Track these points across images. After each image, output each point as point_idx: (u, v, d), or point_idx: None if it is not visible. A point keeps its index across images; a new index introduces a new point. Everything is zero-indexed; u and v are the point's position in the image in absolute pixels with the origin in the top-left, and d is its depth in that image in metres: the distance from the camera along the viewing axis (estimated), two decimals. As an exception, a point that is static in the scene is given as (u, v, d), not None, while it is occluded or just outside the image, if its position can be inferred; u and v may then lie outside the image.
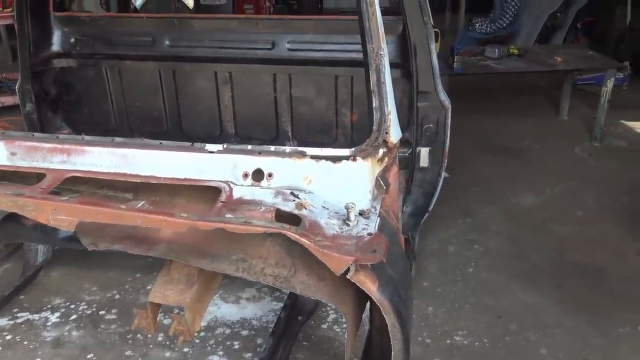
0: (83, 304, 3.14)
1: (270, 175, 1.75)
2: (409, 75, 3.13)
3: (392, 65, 3.32)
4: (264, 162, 1.76)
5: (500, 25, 7.18)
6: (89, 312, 3.08)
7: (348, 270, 1.50)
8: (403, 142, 3.50)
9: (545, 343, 2.79)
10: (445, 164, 3.29)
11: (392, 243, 1.74)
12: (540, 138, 5.27)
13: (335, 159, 1.75)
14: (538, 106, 6.14)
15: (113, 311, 3.08)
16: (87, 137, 1.90)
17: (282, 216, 1.61)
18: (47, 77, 3.71)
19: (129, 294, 3.21)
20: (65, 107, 3.86)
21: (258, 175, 1.75)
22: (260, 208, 1.58)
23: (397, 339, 1.57)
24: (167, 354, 2.76)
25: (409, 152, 3.32)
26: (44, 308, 3.10)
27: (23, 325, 2.98)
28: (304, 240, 1.49)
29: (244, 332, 2.90)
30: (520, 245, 3.62)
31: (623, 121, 5.64)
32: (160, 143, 1.85)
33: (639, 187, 4.33)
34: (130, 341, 2.85)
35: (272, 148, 1.79)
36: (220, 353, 2.77)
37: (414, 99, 3.13)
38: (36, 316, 3.04)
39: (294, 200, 1.66)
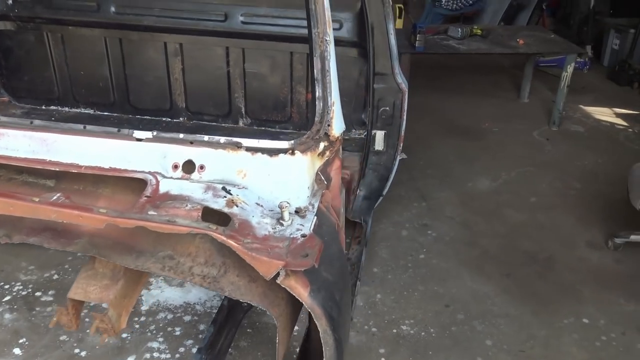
0: (18, 284, 2.99)
1: (202, 167, 1.63)
2: (367, 55, 3.03)
3: (350, 44, 3.25)
4: (196, 153, 1.64)
5: (466, 2, 7.08)
6: (24, 293, 2.94)
7: (278, 274, 1.41)
8: (359, 123, 3.44)
9: (491, 334, 2.79)
10: (401, 148, 3.24)
11: (330, 243, 1.66)
12: (500, 120, 5.25)
13: (272, 152, 1.64)
14: (500, 87, 6.11)
15: (50, 292, 2.94)
16: (2, 118, 1.75)
17: (211, 214, 1.50)
18: (-19, 40, 3.48)
19: (69, 275, 3.07)
20: (3, 73, 3.64)
21: (189, 167, 1.63)
22: (187, 205, 1.47)
23: (329, 345, 1.50)
24: (105, 340, 2.65)
25: (364, 134, 3.25)
26: (-25, 288, 2.95)
27: (-49, 307, 2.83)
28: (231, 242, 1.39)
29: (187, 318, 2.81)
30: (472, 231, 3.61)
31: (582, 106, 5.66)
32: (84, 127, 1.71)
33: (592, 174, 4.35)
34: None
35: (206, 138, 1.67)
36: (161, 339, 2.68)
37: (370, 80, 3.04)
38: (-34, 297, 2.89)
39: (225, 197, 1.55)
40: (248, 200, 1.57)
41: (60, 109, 3.70)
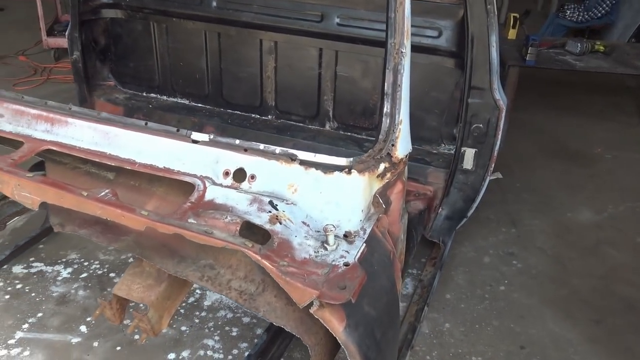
0: (96, 262, 3.12)
1: (252, 177, 1.56)
2: (464, 67, 2.84)
3: (447, 54, 3.07)
4: (248, 162, 1.57)
5: (594, 14, 6.50)
6: (99, 272, 3.06)
7: (312, 303, 1.30)
8: (449, 138, 3.24)
9: (567, 387, 2.51)
10: (492, 169, 3.01)
11: (379, 273, 1.52)
12: (615, 147, 4.76)
13: (327, 169, 1.53)
14: (620, 109, 5.56)
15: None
16: (74, 108, 1.78)
17: (252, 229, 1.43)
18: (96, 26, 3.69)
19: (144, 259, 3.15)
20: (112, 59, 3.85)
21: (240, 175, 1.57)
22: (227, 217, 1.40)
23: (361, 388, 1.37)
24: (164, 330, 2.69)
25: (453, 150, 3.06)
26: (59, 261, 3.11)
27: (35, 276, 3.00)
28: (265, 263, 1.31)
29: (246, 319, 2.78)
30: (564, 268, 3.28)
31: None
32: (146, 124, 1.69)
33: None
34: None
35: (261, 146, 1.60)
36: (217, 338, 2.67)
37: (465, 93, 2.84)
38: (49, 268, 3.06)
39: (269, 212, 1.47)
40: (294, 217, 1.48)
41: (159, 97, 3.84)
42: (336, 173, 1.53)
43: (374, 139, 3.39)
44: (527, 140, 4.71)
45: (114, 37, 3.76)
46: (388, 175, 1.59)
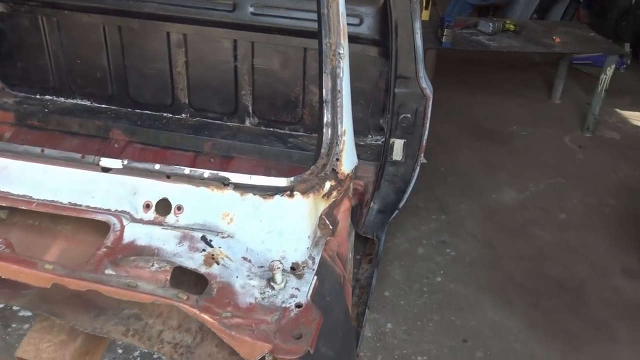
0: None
1: (179, 208, 1.34)
2: (389, 56, 2.71)
3: (370, 42, 2.91)
4: (173, 190, 1.34)
5: (498, -9, 6.66)
6: (0, 305, 2.69)
7: (263, 358, 1.12)
8: (376, 129, 3.12)
9: (513, 378, 2.49)
10: (421, 158, 2.92)
11: (333, 305, 1.36)
12: (529, 123, 4.88)
13: (266, 192, 1.33)
14: (530, 85, 5.72)
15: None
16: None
17: (184, 275, 1.21)
18: (-28, 22, 3.22)
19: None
20: (-3, 59, 3.38)
21: (164, 207, 1.34)
22: (153, 265, 1.18)
23: None
24: None
25: (381, 141, 2.95)
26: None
27: None
28: (205, 318, 1.11)
29: None
30: (495, 252, 3.29)
31: (618, 110, 5.26)
32: (42, 151, 1.41)
33: (629, 189, 3.99)
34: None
35: (187, 171, 1.37)
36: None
37: (391, 83, 2.72)
38: (-62, 307, 2.65)
39: (203, 250, 1.25)
40: (233, 253, 1.28)
41: (55, 99, 3.45)
42: (277, 197, 1.34)
43: (297, 133, 3.29)
44: (446, 121, 4.71)
45: None
46: (334, 193, 1.42)
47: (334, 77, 1.44)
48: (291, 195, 1.34)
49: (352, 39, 2.90)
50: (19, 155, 1.41)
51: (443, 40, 4.23)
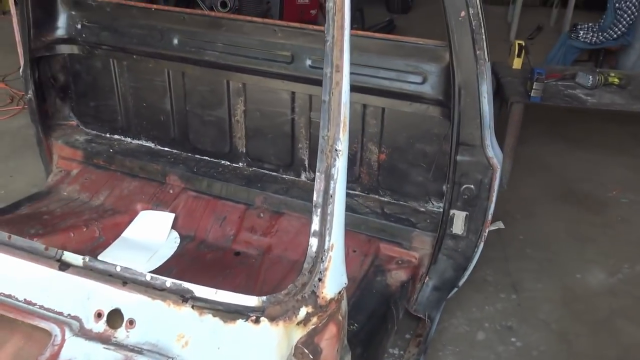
0: None
1: (131, 322, 1.18)
2: (451, 120, 2.46)
3: (433, 102, 2.66)
4: (127, 301, 1.19)
5: (610, 35, 6.02)
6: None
7: None
8: (437, 195, 2.84)
9: None
10: (486, 234, 2.61)
11: None
12: (633, 188, 4.30)
13: (228, 316, 1.13)
14: (639, 142, 5.08)
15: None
16: None
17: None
18: (53, 63, 3.37)
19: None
20: (73, 97, 3.53)
21: (115, 319, 1.19)
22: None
23: None
24: None
25: (441, 208, 2.69)
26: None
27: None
28: None
29: None
30: (571, 347, 2.84)
31: None
32: (9, 237, 1.31)
33: None
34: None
35: (148, 277, 1.20)
36: None
37: (452, 150, 2.46)
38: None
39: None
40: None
41: (122, 138, 3.53)
42: (239, 322, 1.13)
43: (352, 192, 3.07)
44: (532, 180, 4.27)
45: (74, 74, 3.43)
46: (314, 319, 1.18)
47: (328, 177, 1.23)
48: (256, 322, 1.13)
49: (415, 97, 2.71)
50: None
51: (532, 95, 3.84)
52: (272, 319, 1.15)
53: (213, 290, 1.17)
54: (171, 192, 3.25)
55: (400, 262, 2.78)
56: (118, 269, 1.23)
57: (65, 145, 3.46)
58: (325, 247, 1.21)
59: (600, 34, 6.07)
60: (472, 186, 2.54)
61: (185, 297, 1.17)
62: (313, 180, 3.07)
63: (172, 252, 2.97)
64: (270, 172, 3.20)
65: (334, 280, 1.24)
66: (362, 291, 2.61)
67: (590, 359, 2.77)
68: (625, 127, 5.32)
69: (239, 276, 2.78)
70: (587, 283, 3.30)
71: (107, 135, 3.54)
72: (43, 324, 1.19)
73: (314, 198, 1.24)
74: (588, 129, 5.22)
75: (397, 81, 2.69)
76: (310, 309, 1.19)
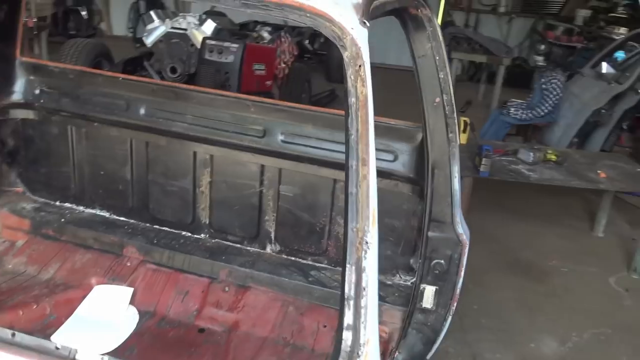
0: None
1: None
2: (422, 196, 2.55)
3: (404, 180, 2.76)
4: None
5: (537, 113, 6.52)
6: None
7: None
8: (405, 269, 2.90)
9: None
10: (454, 308, 2.66)
11: None
12: (570, 257, 4.56)
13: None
14: (571, 213, 5.44)
15: None
16: None
17: None
18: (4, 127, 3.21)
19: None
20: (22, 163, 3.34)
21: None
22: None
23: None
24: None
25: (410, 281, 2.73)
26: None
27: None
28: None
29: None
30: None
31: (667, 247, 4.89)
32: (13, 335, 1.21)
33: (686, 347, 3.58)
34: None
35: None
36: None
37: (425, 226, 2.53)
38: None
39: None
40: None
41: (74, 207, 3.35)
42: None
43: (320, 265, 3.07)
44: (480, 249, 4.40)
45: (25, 139, 3.28)
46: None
47: (359, 270, 1.24)
48: None
49: (385, 174, 2.78)
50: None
51: (481, 170, 4.06)
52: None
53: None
54: (129, 264, 3.11)
55: (371, 337, 2.78)
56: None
57: (11, 214, 3.26)
58: (361, 341, 1.21)
59: (529, 111, 6.56)
60: (442, 261, 2.60)
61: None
62: (279, 252, 3.09)
63: (131, 330, 2.81)
64: (235, 244, 3.15)
65: (371, 376, 1.23)
66: (335, 368, 2.58)
67: None
68: (558, 198, 5.69)
69: (205, 355, 2.67)
70: (542, 352, 3.42)
71: (57, 203, 3.37)
72: None
73: (346, 290, 1.24)
74: (526, 200, 5.53)
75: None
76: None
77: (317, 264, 3.03)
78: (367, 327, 1.21)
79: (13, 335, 1.20)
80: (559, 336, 3.57)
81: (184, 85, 3.19)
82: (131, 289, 2.95)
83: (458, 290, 2.65)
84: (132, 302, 2.91)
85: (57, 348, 1.17)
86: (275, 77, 6.21)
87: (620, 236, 5.01)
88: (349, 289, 1.24)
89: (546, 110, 6.49)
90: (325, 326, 2.79)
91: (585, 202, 5.63)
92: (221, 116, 2.91)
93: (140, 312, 2.89)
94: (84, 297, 2.92)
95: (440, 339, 2.76)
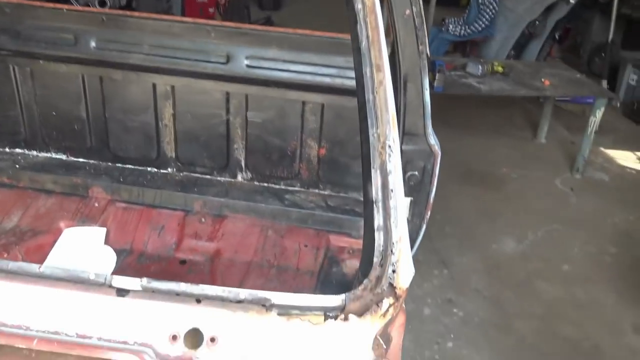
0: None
1: (213, 340, 1.12)
2: (397, 112, 2.56)
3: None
4: (205, 320, 1.13)
5: (475, 28, 6.63)
6: None
7: None
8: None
9: None
10: (428, 217, 2.77)
11: None
12: (519, 165, 4.80)
13: (315, 318, 1.13)
14: (514, 124, 5.68)
15: None
16: None
17: None
18: (-64, 70, 2.93)
19: None
20: (-39, 111, 3.09)
21: (194, 339, 1.12)
22: None
23: None
24: None
25: None
26: None
27: None
28: None
29: None
30: (504, 310, 3.13)
31: (602, 149, 5.25)
32: (39, 269, 1.17)
33: (626, 235, 3.92)
34: None
35: (220, 291, 1.16)
36: None
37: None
38: None
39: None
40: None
41: (27, 152, 3.16)
42: (329, 322, 1.14)
43: (294, 188, 3.09)
44: (436, 164, 4.59)
45: None
46: (391, 310, 1.22)
47: (384, 173, 1.26)
48: (346, 319, 1.14)
49: (354, 92, 2.78)
50: (9, 275, 1.17)
51: (435, 85, 4.13)
52: (359, 314, 1.17)
53: (290, 294, 1.16)
54: (97, 205, 3.00)
55: (351, 251, 2.85)
56: (184, 287, 1.16)
57: (-44, 165, 3.06)
58: (394, 239, 1.25)
59: (467, 27, 6.64)
60: (416, 173, 2.67)
61: (267, 306, 1.14)
62: (250, 180, 3.07)
63: (111, 269, 2.77)
64: (204, 176, 3.09)
65: (406, 271, 1.28)
66: (322, 283, 2.65)
67: (522, 317, 3.08)
68: (499, 111, 5.90)
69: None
70: (503, 251, 3.65)
71: (7, 150, 3.17)
72: (115, 356, 1.09)
73: (373, 194, 1.26)
74: (470, 115, 5.71)
75: (339, 77, 2.75)
76: (391, 300, 1.22)
77: (291, 188, 3.03)
78: (398, 225, 1.25)
79: (39, 268, 1.16)
80: (516, 236, 3.81)
81: (138, 14, 2.99)
82: (104, 229, 2.87)
83: (431, 200, 2.75)
84: (106, 242, 2.85)
85: (92, 276, 1.15)
86: (217, 4, 5.99)
87: (561, 141, 5.30)
88: (376, 193, 1.26)
89: (483, 25, 6.60)
90: (306, 245, 2.84)
91: (525, 112, 5.88)
92: (180, 44, 2.77)
93: (116, 251, 2.82)
94: (54, 241, 2.83)
95: (416, 246, 2.88)
